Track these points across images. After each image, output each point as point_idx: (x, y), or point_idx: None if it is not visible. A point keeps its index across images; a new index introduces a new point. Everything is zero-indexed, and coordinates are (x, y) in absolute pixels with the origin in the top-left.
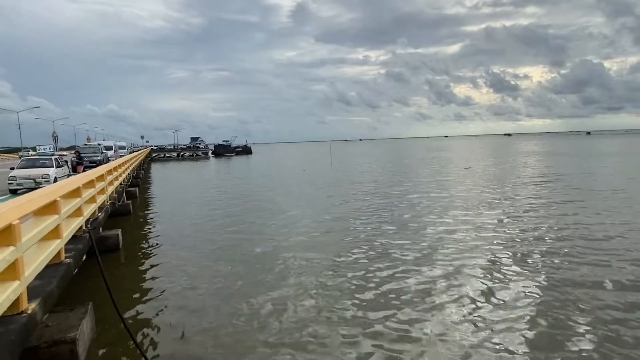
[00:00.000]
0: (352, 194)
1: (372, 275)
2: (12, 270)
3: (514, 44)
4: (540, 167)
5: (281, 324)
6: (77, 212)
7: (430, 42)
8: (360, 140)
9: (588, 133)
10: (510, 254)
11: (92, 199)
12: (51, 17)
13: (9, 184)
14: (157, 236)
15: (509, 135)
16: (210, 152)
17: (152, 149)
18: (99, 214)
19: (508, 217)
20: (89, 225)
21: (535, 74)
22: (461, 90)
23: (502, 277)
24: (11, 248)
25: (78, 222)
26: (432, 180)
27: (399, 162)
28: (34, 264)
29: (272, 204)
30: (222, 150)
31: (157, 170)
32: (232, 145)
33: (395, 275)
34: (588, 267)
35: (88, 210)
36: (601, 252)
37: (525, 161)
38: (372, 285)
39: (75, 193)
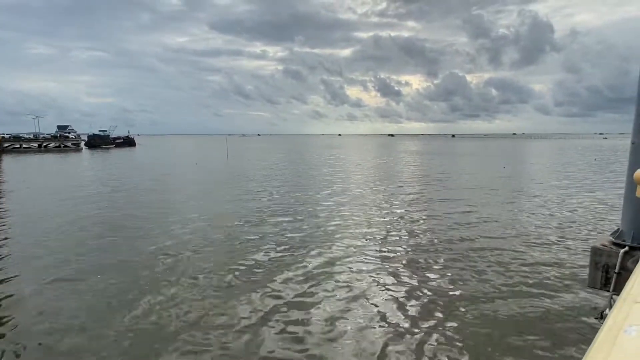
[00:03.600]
0: (248, 191)
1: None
2: None
3: (398, 53)
4: (416, 163)
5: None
6: None
7: (325, 43)
8: (259, 135)
9: (453, 136)
10: (381, 235)
11: None
12: None
13: None
14: (5, 254)
15: (392, 135)
16: (83, 143)
17: (3, 137)
18: None
19: (389, 205)
20: None
21: (415, 82)
22: (353, 92)
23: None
24: None
25: None
26: (327, 177)
27: (297, 158)
28: None
29: (154, 207)
30: (98, 142)
31: (11, 165)
32: (110, 136)
33: (284, 264)
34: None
35: None
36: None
37: (405, 159)
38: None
39: None
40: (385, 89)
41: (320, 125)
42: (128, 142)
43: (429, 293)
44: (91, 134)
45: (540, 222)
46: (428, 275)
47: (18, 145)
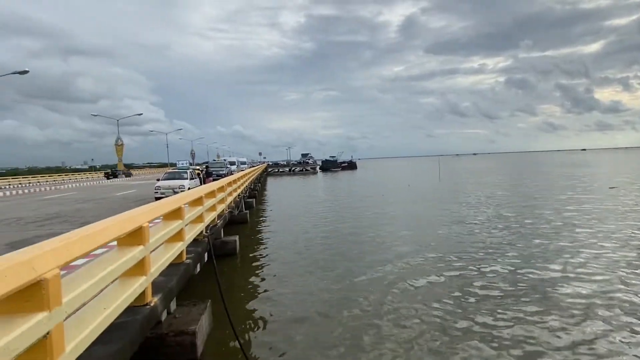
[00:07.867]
0: (460, 217)
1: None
2: (141, 267)
3: None
4: None
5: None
6: (199, 218)
7: (561, 42)
8: (475, 154)
9: None
10: None
11: (212, 208)
12: (192, 53)
13: (155, 192)
14: (269, 242)
15: None
16: (318, 167)
17: (268, 164)
18: (218, 221)
19: None
20: (208, 231)
21: None
22: (605, 94)
23: None
24: (140, 247)
25: (199, 228)
26: (565, 205)
27: (521, 179)
28: (158, 262)
29: (376, 219)
30: (329, 166)
31: (272, 184)
32: (338, 161)
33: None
34: None
35: (208, 218)
36: None
37: None
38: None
39: (197, 202)
40: None
41: (553, 139)
42: (350, 165)
43: None
44: (324, 159)
45: None
46: None
47: (276, 170)
